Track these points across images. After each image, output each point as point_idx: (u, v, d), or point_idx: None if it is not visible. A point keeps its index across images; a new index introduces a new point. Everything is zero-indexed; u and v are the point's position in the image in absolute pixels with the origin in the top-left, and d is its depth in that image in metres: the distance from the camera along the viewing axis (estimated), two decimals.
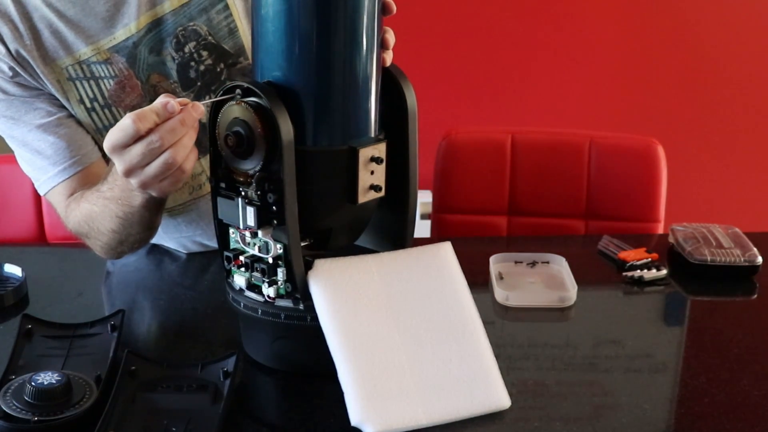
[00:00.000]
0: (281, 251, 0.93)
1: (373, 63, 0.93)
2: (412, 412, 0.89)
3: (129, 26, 1.22)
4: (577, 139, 1.74)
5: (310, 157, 0.92)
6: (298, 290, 0.93)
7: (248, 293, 0.98)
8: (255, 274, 0.96)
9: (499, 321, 1.18)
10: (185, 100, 0.94)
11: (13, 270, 1.24)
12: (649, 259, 1.32)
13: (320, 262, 0.94)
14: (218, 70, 1.27)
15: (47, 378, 0.91)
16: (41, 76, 1.21)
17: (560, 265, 1.29)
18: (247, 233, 0.96)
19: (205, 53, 1.26)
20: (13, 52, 1.19)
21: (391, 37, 0.97)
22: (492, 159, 1.74)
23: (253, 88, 0.90)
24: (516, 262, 1.31)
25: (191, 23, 1.24)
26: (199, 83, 1.27)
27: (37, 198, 1.65)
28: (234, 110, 0.91)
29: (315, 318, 0.93)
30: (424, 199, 2.00)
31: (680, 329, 1.19)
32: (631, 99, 2.59)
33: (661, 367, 1.05)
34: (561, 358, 1.07)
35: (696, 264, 1.30)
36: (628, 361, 1.06)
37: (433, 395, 0.91)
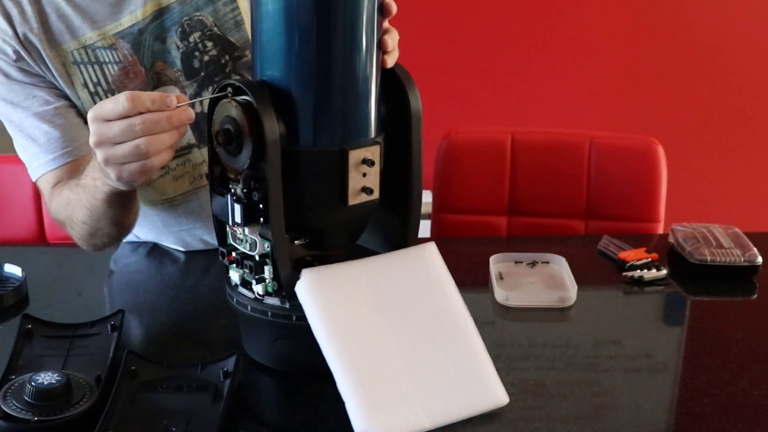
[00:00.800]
0: (268, 249, 0.93)
1: (368, 64, 0.92)
2: (414, 416, 0.89)
3: (135, 13, 1.23)
4: (577, 139, 1.74)
5: (300, 157, 0.92)
6: (284, 289, 0.93)
7: (241, 289, 0.99)
8: (245, 270, 0.97)
9: (499, 321, 1.18)
10: (184, 98, 0.94)
11: (13, 270, 1.24)
12: (649, 259, 1.32)
13: (307, 271, 0.93)
14: (223, 61, 1.28)
15: (47, 378, 0.91)
16: (46, 60, 1.22)
17: (560, 265, 1.29)
18: (238, 230, 0.97)
19: (209, 44, 1.27)
20: (20, 35, 1.20)
21: (391, 39, 0.95)
22: (492, 159, 1.74)
23: (242, 86, 0.89)
24: (516, 262, 1.31)
25: (197, 13, 1.26)
26: (202, 73, 1.27)
27: (37, 198, 1.65)
28: (226, 108, 0.91)
29: (301, 317, 0.92)
30: (424, 199, 1.99)
31: (680, 329, 1.19)
32: (631, 99, 2.59)
33: (661, 367, 1.05)
34: (561, 358, 1.07)
35: (696, 264, 1.29)
36: (628, 361, 1.06)
37: (433, 397, 0.90)
